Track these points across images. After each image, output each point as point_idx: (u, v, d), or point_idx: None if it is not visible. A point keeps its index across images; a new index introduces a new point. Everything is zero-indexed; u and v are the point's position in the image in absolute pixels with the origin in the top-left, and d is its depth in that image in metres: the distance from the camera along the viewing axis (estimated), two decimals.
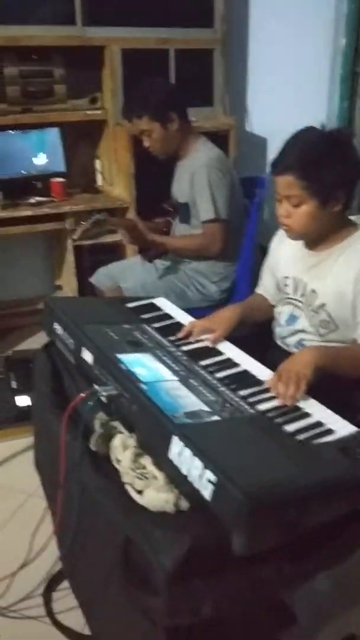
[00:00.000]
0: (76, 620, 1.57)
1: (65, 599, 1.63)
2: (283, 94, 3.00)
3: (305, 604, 1.54)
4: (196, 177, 2.25)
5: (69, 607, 1.61)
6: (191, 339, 1.64)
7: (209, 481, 1.04)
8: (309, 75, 2.92)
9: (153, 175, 2.63)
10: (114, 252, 2.92)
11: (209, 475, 1.04)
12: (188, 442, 1.11)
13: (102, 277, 2.54)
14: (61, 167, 2.90)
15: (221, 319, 1.68)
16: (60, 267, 3.08)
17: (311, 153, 1.46)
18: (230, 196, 2.27)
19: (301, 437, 1.24)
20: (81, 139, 3.04)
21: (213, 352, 1.60)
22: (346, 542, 1.19)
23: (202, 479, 1.06)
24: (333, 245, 1.57)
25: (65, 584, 1.66)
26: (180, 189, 2.37)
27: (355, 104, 2.88)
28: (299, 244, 1.64)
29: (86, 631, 1.54)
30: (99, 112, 2.86)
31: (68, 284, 3.02)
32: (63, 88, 2.74)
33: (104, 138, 2.98)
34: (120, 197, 2.88)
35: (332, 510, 1.11)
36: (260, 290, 1.87)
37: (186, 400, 1.30)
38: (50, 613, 1.57)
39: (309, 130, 1.51)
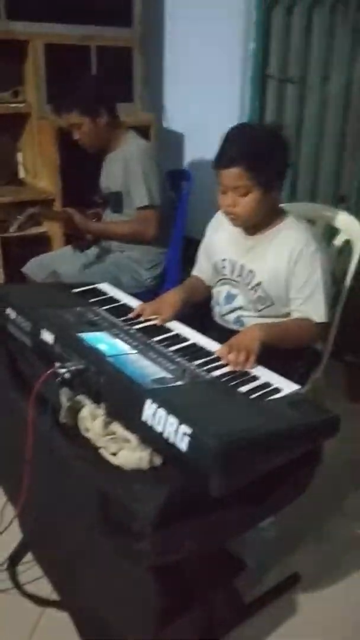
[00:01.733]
0: (42, 588, 1.65)
1: (28, 572, 1.70)
2: (198, 93, 3.17)
3: (254, 550, 1.72)
4: (130, 165, 2.36)
5: (34, 578, 1.68)
6: (141, 319, 1.77)
7: (185, 434, 1.17)
8: (223, 75, 3.10)
9: (78, 168, 2.71)
10: (42, 244, 2.97)
11: (185, 429, 1.18)
12: (161, 402, 1.24)
13: (35, 267, 2.58)
14: None
15: (167, 303, 1.81)
16: None
17: (256, 146, 1.62)
18: (162, 184, 2.40)
19: (254, 396, 1.41)
20: (3, 132, 3.05)
21: (163, 329, 1.74)
22: (295, 485, 1.38)
23: (178, 433, 1.19)
24: (267, 229, 1.75)
25: (26, 558, 1.73)
26: (111, 179, 2.47)
27: (265, 103, 3.10)
28: (235, 229, 1.81)
29: (53, 597, 1.63)
30: (21, 105, 2.89)
31: None
32: None
33: (26, 131, 3.02)
34: (46, 189, 2.93)
35: (287, 453, 1.28)
36: (195, 272, 2.02)
37: (149, 369, 1.42)
38: (17, 585, 1.64)
39: (247, 126, 1.69)
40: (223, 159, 1.64)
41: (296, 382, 1.58)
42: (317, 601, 1.70)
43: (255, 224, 1.75)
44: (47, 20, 2.72)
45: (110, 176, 2.47)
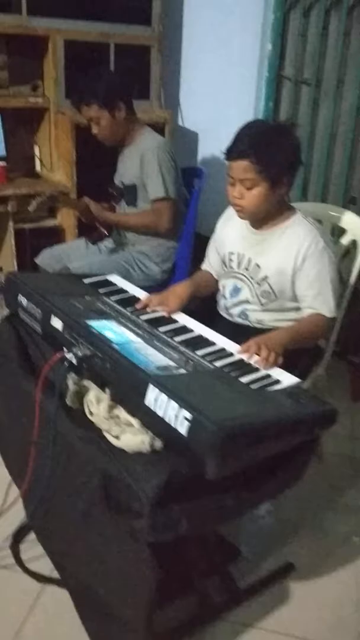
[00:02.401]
0: (44, 566, 1.71)
1: (30, 551, 1.76)
2: (214, 92, 3.22)
3: (251, 538, 1.77)
4: (146, 158, 2.41)
5: (35, 556, 1.74)
6: (148, 310, 1.82)
7: (185, 418, 1.22)
8: (238, 76, 3.15)
9: (93, 162, 2.77)
10: (54, 236, 3.03)
11: (185, 413, 1.22)
12: (164, 388, 1.29)
13: (47, 258, 2.64)
14: (2, 151, 2.97)
15: (174, 294, 1.85)
16: (0, 249, 3.15)
17: (264, 140, 1.67)
18: (176, 179, 2.45)
19: (255, 386, 1.45)
20: (20, 125, 3.11)
21: (169, 320, 1.78)
22: (291, 474, 1.42)
23: (179, 418, 1.24)
24: (275, 225, 1.80)
25: (29, 537, 1.79)
26: (127, 172, 2.52)
27: (279, 104, 3.14)
28: (244, 224, 1.85)
29: (54, 575, 1.69)
30: (40, 99, 2.95)
31: (6, 266, 3.10)
32: (5, 74, 2.82)
33: (44, 125, 3.08)
34: (61, 182, 2.99)
35: (284, 442, 1.33)
36: (205, 266, 2.07)
37: (154, 357, 1.47)
38: (19, 562, 1.70)
39: (257, 121, 1.73)
40: (233, 151, 1.69)
41: (297, 376, 1.63)
42: (309, 591, 1.74)
43: (263, 218, 1.80)
44: (68, 17, 2.78)
45: (126, 170, 2.52)
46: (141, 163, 2.43)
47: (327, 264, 1.74)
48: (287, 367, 1.58)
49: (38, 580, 1.69)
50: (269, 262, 1.79)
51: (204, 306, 2.02)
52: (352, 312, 2.97)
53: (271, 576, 1.75)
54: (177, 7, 3.20)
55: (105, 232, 2.58)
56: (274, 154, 1.66)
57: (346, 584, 1.77)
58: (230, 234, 1.92)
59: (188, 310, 1.88)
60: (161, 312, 1.81)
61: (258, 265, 1.81)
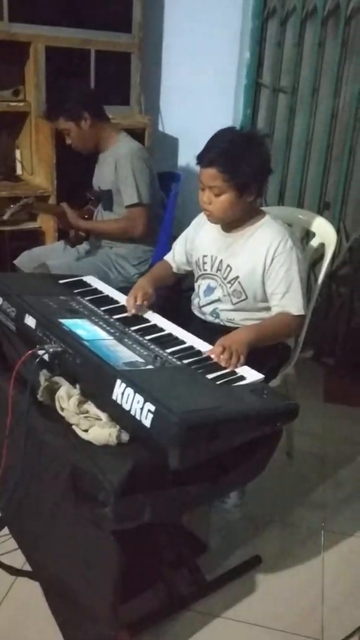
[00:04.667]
0: (16, 560, 1.75)
1: (3, 545, 1.80)
2: (193, 99, 3.27)
3: (219, 532, 1.82)
4: (120, 164, 2.46)
5: (8, 550, 1.77)
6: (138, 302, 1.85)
7: (149, 411, 1.28)
8: (217, 83, 3.21)
9: (73, 166, 2.81)
10: (35, 239, 3.07)
11: (149, 406, 1.28)
12: (130, 382, 1.34)
13: (26, 261, 2.68)
14: None
15: (143, 287, 1.92)
16: None
17: (233, 150, 1.73)
18: (151, 184, 2.51)
19: (220, 382, 1.51)
20: (2, 129, 3.15)
21: (142, 319, 1.84)
22: (252, 466, 1.47)
23: (143, 410, 1.29)
24: (245, 228, 1.86)
25: (3, 532, 1.82)
26: (103, 178, 2.57)
27: (257, 111, 3.21)
28: (215, 227, 1.92)
29: (26, 568, 1.72)
30: (21, 104, 2.99)
31: None
32: None
33: (25, 129, 3.12)
34: (42, 186, 3.03)
35: (245, 435, 1.38)
36: (167, 257, 2.14)
37: (123, 354, 1.53)
38: None
39: (229, 130, 1.79)
40: (203, 159, 1.75)
41: (266, 375, 1.68)
42: (275, 582, 1.79)
43: (233, 222, 1.86)
44: (49, 23, 2.82)
45: (102, 175, 2.58)
46: (115, 169, 2.48)
47: (295, 264, 1.80)
48: (256, 365, 1.64)
49: (10, 572, 1.73)
50: (240, 263, 1.85)
51: (177, 304, 2.08)
52: (326, 316, 3.06)
53: (238, 568, 1.80)
54: (158, 15, 3.26)
55: (84, 235, 2.64)
56: (242, 164, 1.72)
57: (311, 575, 1.83)
58: (203, 238, 1.98)
59: (161, 308, 1.94)
60: (134, 312, 1.87)
61: (230, 266, 1.87)
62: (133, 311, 1.83)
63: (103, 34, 2.99)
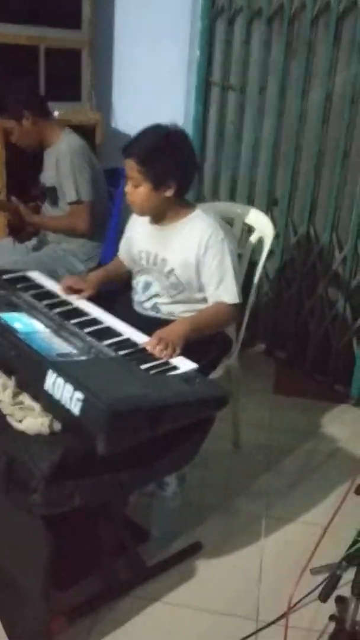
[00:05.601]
0: None
1: None
2: (145, 95, 3.30)
3: (160, 520, 1.86)
4: (60, 162, 2.49)
5: None
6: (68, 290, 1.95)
7: (78, 399, 1.31)
8: (169, 80, 3.25)
9: (21, 163, 2.83)
10: None
11: (78, 395, 1.31)
12: (61, 372, 1.37)
13: None
14: None
15: (88, 279, 2.01)
16: None
17: (151, 145, 1.80)
18: (94, 181, 2.53)
19: (153, 372, 1.55)
20: None
21: (81, 313, 1.86)
22: (183, 452, 1.52)
23: (73, 399, 1.32)
24: (176, 221, 1.92)
25: None
26: (48, 175, 2.59)
27: (209, 108, 3.26)
28: (148, 222, 1.96)
29: None
30: None
31: None
32: None
33: None
34: None
35: (175, 421, 1.42)
36: (119, 254, 2.19)
37: (57, 345, 1.56)
38: None
39: (154, 127, 1.84)
40: (124, 150, 1.83)
41: (206, 366, 1.73)
42: (214, 567, 1.84)
43: (157, 216, 1.93)
44: None
45: (47, 172, 2.60)
46: (56, 166, 2.51)
47: (227, 254, 1.86)
48: (196, 356, 1.69)
49: None
50: (174, 256, 1.90)
51: (117, 301, 2.11)
52: (276, 311, 3.13)
53: (179, 554, 1.84)
54: (109, 12, 3.28)
55: (33, 231, 2.65)
56: (158, 159, 1.79)
57: (250, 559, 1.88)
58: (139, 233, 2.02)
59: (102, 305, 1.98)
60: (75, 305, 1.90)
61: (165, 260, 1.92)
62: (62, 294, 1.93)
63: (52, 31, 3.01)
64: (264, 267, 3.08)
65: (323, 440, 2.52)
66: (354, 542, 1.45)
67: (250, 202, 3.12)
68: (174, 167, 1.81)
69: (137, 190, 1.82)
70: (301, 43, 2.77)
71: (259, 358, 3.18)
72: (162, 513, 1.99)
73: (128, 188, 1.85)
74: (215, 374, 2.01)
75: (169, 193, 1.83)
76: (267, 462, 2.36)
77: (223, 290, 1.87)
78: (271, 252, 3.09)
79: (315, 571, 1.75)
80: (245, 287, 2.10)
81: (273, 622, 1.64)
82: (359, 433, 2.58)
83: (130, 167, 1.81)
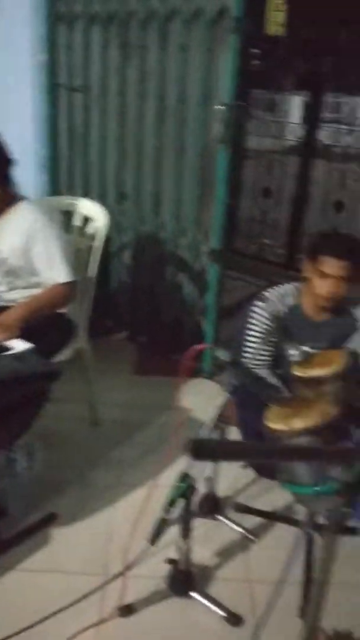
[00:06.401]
0: None
1: None
2: None
3: (13, 495, 1.97)
4: None
5: None
6: None
7: None
8: (18, 82, 3.33)
9: None
10: None
11: None
12: None
13: None
14: None
15: None
16: None
17: None
18: None
19: None
20: None
21: None
22: (19, 423, 1.65)
23: None
24: (5, 213, 2.06)
25: None
26: None
27: (58, 110, 3.38)
28: None
29: None
30: None
31: None
32: None
33: None
34: None
35: (8, 395, 1.54)
36: None
37: None
38: None
39: None
40: None
41: (50, 349, 1.86)
42: (67, 534, 1.98)
43: None
44: None
45: None
46: None
47: (53, 238, 2.03)
48: (35, 339, 1.82)
49: None
50: (4, 245, 2.04)
51: None
52: (132, 299, 3.32)
53: (34, 525, 1.96)
54: None
55: None
56: None
57: (102, 524, 2.04)
58: None
59: None
60: None
61: None
62: None
63: None
64: (122, 258, 3.29)
65: (177, 412, 2.73)
66: (174, 488, 1.64)
67: (102, 196, 3.28)
68: None
69: None
70: (135, 47, 2.96)
71: (122, 344, 3.36)
72: (15, 489, 2.09)
73: None
74: (62, 357, 2.15)
75: None
76: (122, 436, 2.53)
77: (55, 271, 2.04)
78: (126, 244, 3.28)
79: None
80: (103, 276, 2.26)
81: (118, 576, 1.81)
82: (210, 400, 2.81)
83: None
